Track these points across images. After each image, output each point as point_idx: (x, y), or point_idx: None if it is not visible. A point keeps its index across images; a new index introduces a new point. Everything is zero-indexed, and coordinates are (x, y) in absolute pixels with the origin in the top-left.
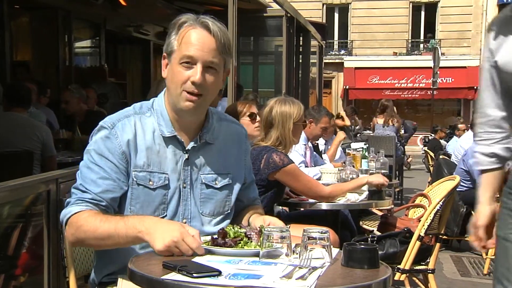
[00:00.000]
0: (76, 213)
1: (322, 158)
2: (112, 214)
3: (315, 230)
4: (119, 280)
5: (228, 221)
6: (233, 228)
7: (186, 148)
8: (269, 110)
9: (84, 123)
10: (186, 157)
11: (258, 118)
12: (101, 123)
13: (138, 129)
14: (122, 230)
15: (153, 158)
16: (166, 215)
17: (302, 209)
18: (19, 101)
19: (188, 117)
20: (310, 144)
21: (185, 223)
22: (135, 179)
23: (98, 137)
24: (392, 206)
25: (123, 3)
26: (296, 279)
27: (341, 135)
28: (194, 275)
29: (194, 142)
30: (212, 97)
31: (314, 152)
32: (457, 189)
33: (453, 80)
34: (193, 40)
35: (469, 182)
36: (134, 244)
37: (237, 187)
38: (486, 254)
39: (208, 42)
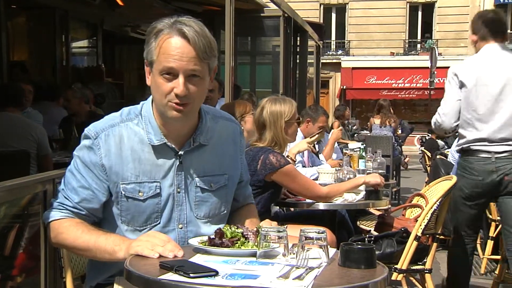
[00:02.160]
0: (57, 219)
1: (319, 158)
2: (94, 223)
3: (312, 230)
4: (115, 286)
5: (225, 222)
6: (230, 228)
7: (179, 153)
8: (260, 111)
9: (85, 124)
10: (179, 162)
11: None
12: (86, 130)
13: (125, 139)
14: (101, 245)
15: (141, 168)
16: (159, 223)
17: (299, 209)
18: (12, 101)
19: (178, 125)
20: None
21: (181, 228)
22: (123, 192)
23: (83, 145)
24: (389, 206)
25: (120, 3)
26: (293, 279)
27: (336, 132)
28: (191, 275)
29: (187, 146)
30: (200, 101)
31: (311, 153)
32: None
33: None
34: (171, 50)
35: None
36: (109, 260)
37: (233, 187)
38: (483, 254)
39: (187, 51)
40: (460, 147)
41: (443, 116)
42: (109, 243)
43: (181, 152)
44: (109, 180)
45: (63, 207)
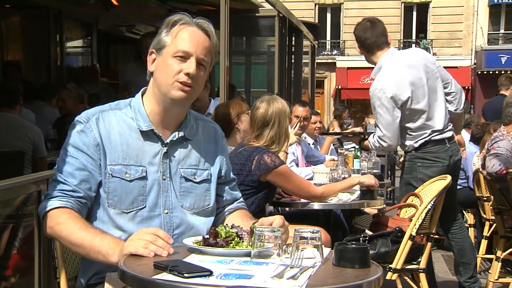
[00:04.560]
0: (57, 207)
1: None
2: (88, 214)
3: (307, 230)
4: (106, 285)
5: (212, 218)
6: (225, 228)
7: (165, 142)
8: (264, 111)
9: None
10: (165, 150)
11: None
12: (77, 118)
13: (113, 123)
14: (95, 245)
15: (129, 152)
16: (145, 206)
17: (294, 209)
18: (8, 101)
19: (174, 109)
20: (303, 141)
21: (167, 213)
22: (110, 172)
23: (73, 132)
24: (384, 205)
25: (115, 2)
26: (287, 279)
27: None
28: (185, 275)
29: (173, 136)
30: (199, 91)
31: (311, 146)
32: None
33: None
34: (189, 36)
35: (463, 181)
36: (101, 261)
37: (215, 182)
38: (477, 253)
39: (203, 40)
40: (423, 140)
41: (387, 139)
42: (104, 244)
43: (167, 141)
44: (101, 159)
45: (62, 193)
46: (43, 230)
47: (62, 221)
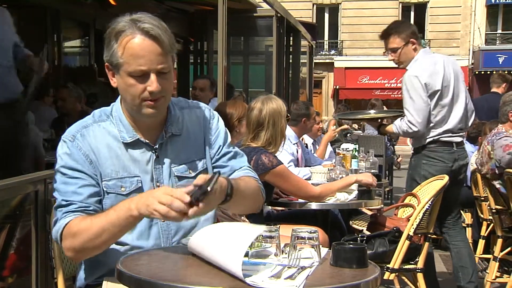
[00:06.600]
0: (67, 224)
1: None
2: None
3: (304, 230)
4: (104, 283)
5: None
6: None
7: (154, 147)
8: (258, 112)
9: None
10: (156, 155)
11: None
12: (62, 137)
13: (99, 137)
14: (113, 217)
15: (120, 164)
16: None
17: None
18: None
19: (151, 120)
20: (301, 142)
21: (164, 221)
22: (105, 189)
23: (62, 153)
24: (382, 205)
25: (113, 2)
26: (284, 278)
27: (329, 133)
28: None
29: (161, 138)
30: (171, 93)
31: (308, 149)
32: None
33: None
34: (139, 51)
35: None
36: (128, 227)
37: (211, 170)
38: (475, 253)
39: (154, 49)
40: (431, 139)
41: (418, 124)
42: (120, 209)
43: (156, 146)
44: (97, 174)
45: (69, 212)
46: (68, 255)
47: (76, 229)
